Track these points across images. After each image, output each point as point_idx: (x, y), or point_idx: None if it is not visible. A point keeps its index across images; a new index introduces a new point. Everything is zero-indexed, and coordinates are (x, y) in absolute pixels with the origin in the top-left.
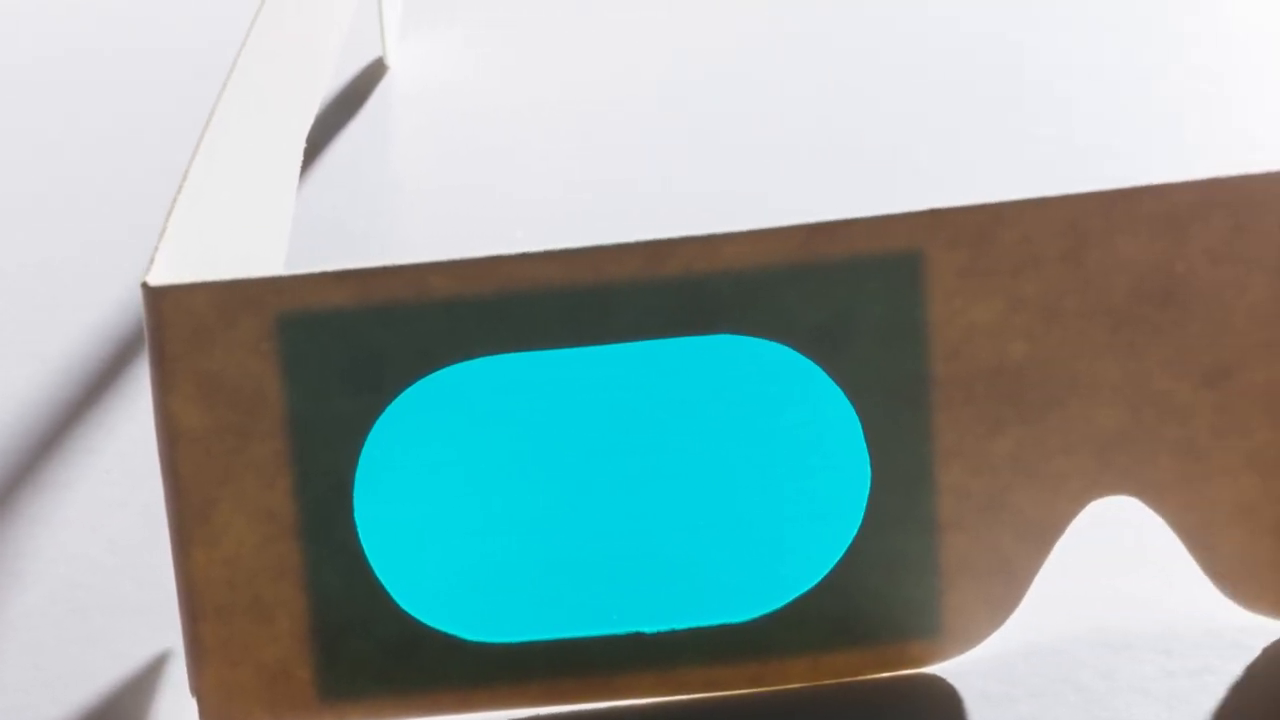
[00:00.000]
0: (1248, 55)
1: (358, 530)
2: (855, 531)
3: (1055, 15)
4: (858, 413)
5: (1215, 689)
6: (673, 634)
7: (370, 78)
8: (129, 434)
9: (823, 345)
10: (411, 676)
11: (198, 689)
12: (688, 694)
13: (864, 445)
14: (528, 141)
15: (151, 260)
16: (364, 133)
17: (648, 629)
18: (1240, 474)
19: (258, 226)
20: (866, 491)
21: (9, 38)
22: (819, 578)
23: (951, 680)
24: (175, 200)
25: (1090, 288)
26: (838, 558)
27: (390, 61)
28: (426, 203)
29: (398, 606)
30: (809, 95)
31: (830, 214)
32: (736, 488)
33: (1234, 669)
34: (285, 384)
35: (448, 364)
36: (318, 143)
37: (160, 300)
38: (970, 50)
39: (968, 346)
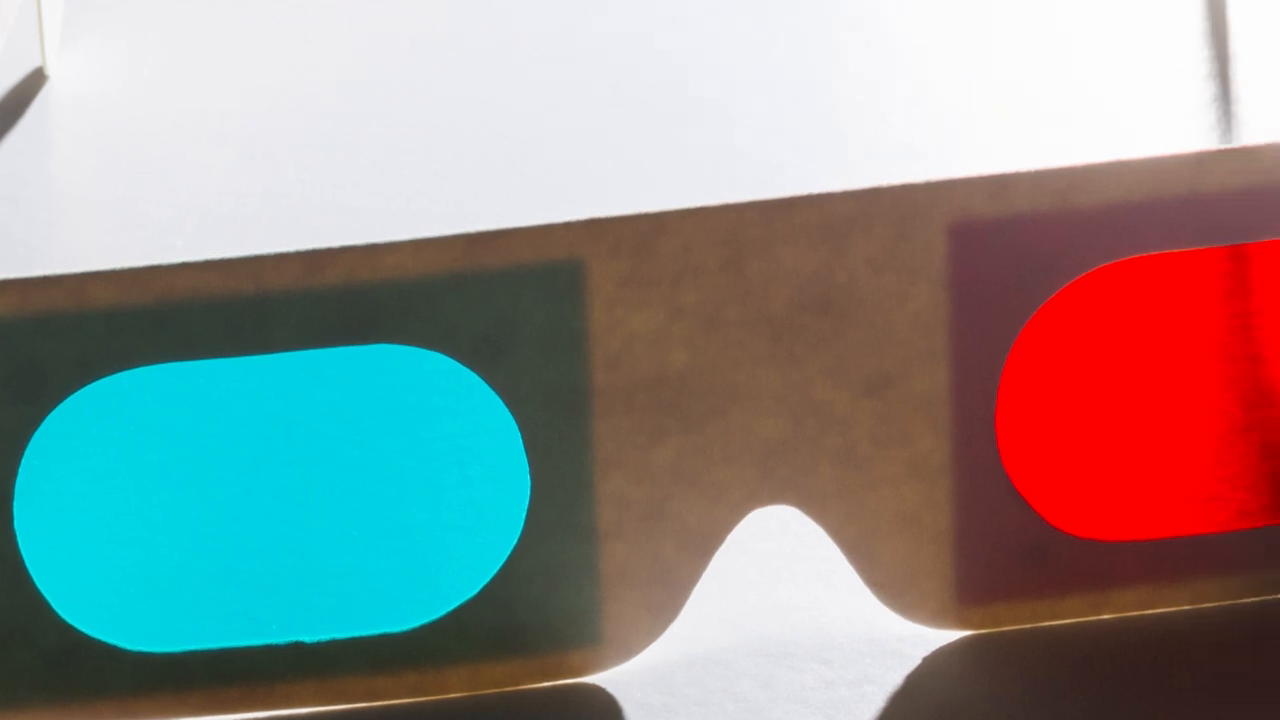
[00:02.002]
0: (906, 67)
1: (18, 540)
2: (515, 541)
3: (710, 23)
4: (517, 422)
5: (875, 699)
6: (333, 643)
7: (29, 87)
8: None
9: (483, 355)
10: (73, 686)
11: None
12: (349, 703)
13: (524, 455)
14: (190, 151)
15: None
16: (23, 142)
17: (308, 638)
18: (901, 483)
19: None
20: (526, 501)
21: None
22: (479, 587)
23: (611, 690)
24: None
25: (751, 297)
26: (498, 567)
27: (50, 71)
28: (87, 213)
29: (58, 616)
30: (471, 103)
31: (491, 223)
32: (397, 497)
33: (894, 679)
34: None
35: (108, 374)
36: None
37: None
38: (630, 57)
39: (628, 356)
